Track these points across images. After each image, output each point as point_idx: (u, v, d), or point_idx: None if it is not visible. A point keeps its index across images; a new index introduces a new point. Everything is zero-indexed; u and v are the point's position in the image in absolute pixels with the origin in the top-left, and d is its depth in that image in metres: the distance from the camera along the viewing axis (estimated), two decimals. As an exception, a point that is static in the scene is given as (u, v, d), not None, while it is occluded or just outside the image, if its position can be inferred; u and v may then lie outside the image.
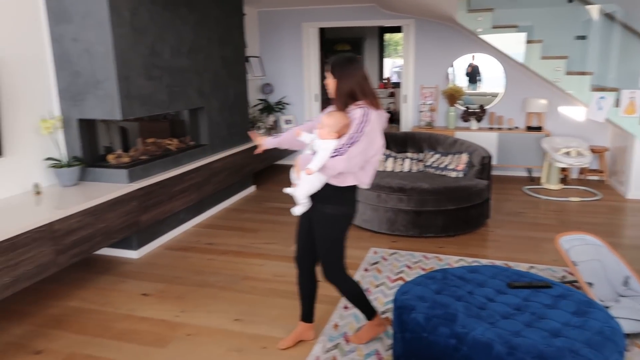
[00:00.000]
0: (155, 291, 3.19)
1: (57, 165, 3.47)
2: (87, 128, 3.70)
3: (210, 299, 3.08)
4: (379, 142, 2.22)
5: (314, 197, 2.28)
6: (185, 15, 4.19)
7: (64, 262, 2.97)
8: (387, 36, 10.44)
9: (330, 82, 2.24)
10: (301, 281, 2.54)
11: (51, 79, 3.52)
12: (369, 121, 2.14)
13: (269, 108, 6.64)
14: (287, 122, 6.82)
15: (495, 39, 5.21)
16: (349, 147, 2.10)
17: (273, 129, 6.61)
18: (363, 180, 2.28)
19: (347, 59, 2.24)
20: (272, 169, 6.80)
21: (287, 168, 6.93)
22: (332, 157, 2.10)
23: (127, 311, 2.94)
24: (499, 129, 6.10)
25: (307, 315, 2.60)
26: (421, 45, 6.29)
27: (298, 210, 2.30)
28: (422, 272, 3.39)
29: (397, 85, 9.93)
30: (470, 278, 2.38)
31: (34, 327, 2.79)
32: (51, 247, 2.86)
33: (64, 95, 3.55)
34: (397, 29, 10.20)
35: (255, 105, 6.70)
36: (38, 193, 3.31)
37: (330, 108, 2.30)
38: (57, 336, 2.69)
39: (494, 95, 6.25)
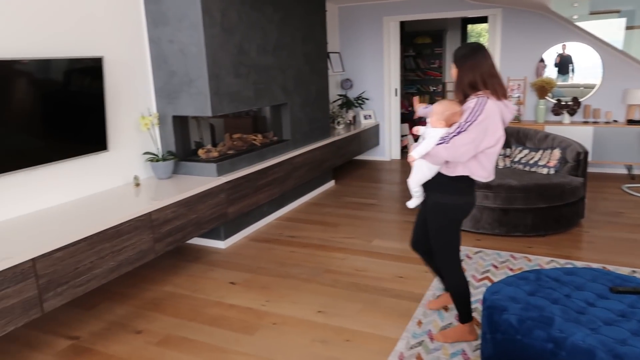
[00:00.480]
0: (242, 280, 3.33)
1: (154, 159, 3.72)
2: (180, 124, 3.92)
3: (293, 290, 3.16)
4: (497, 133, 2.14)
5: (426, 186, 2.36)
6: (271, 14, 4.31)
7: (160, 249, 3.18)
8: (470, 27, 10.07)
9: (454, 72, 2.25)
10: (426, 261, 2.69)
11: (149, 79, 3.77)
12: (483, 111, 2.09)
13: (348, 103, 6.66)
14: (367, 117, 6.81)
15: (591, 26, 4.85)
16: (455, 135, 2.11)
17: (352, 124, 6.62)
18: (476, 172, 2.22)
19: (472, 48, 2.20)
20: (351, 164, 6.82)
21: (366, 163, 6.92)
22: (438, 145, 2.13)
23: (216, 298, 3.09)
24: (595, 122, 5.68)
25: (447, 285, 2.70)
26: (508, 35, 6.00)
27: (412, 203, 2.44)
28: (510, 273, 3.25)
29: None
30: (566, 280, 2.24)
31: (134, 308, 3.02)
32: (150, 235, 3.07)
33: (160, 94, 3.79)
34: (481, 20, 9.79)
35: (334, 101, 6.75)
36: (137, 185, 3.56)
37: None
38: (155, 318, 2.88)
39: (588, 87, 5.83)
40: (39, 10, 2.90)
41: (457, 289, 2.40)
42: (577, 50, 5.78)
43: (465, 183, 2.27)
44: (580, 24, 4.86)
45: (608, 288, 2.15)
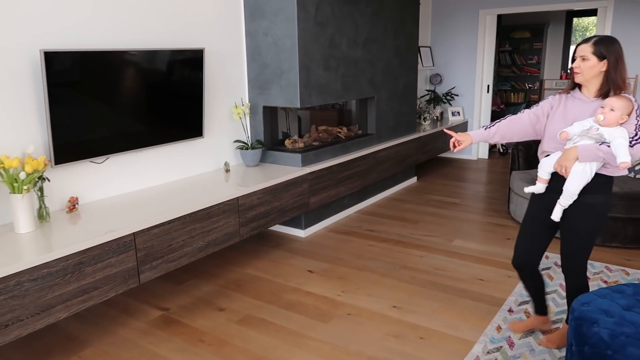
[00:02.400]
0: (319, 269, 3.41)
1: (244, 147, 3.89)
2: (270, 114, 4.07)
3: (370, 283, 3.18)
4: None
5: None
6: (364, 7, 4.32)
7: (245, 233, 3.34)
8: (576, 21, 9.38)
9: (591, 66, 2.09)
10: (525, 283, 2.51)
11: (244, 70, 3.94)
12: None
13: (436, 99, 6.51)
14: (455, 113, 6.61)
15: None
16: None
17: (439, 120, 6.47)
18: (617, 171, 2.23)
19: (613, 39, 2.11)
20: (435, 161, 6.67)
21: (451, 161, 6.74)
22: (632, 145, 2.03)
23: (295, 284, 3.20)
24: None
25: (539, 309, 2.57)
26: (619, 29, 5.53)
27: (537, 188, 2.30)
28: (604, 285, 3.03)
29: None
30: (669, 299, 2.05)
31: (218, 287, 3.20)
32: (236, 219, 3.24)
33: (252, 84, 3.96)
34: (588, 12, 9.09)
35: (422, 96, 6.62)
36: (227, 171, 3.76)
37: (555, 97, 2.29)
38: (237, 298, 3.04)
39: None
40: (148, 2, 3.15)
41: (584, 289, 2.33)
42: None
43: (612, 182, 2.24)
44: None
45: None
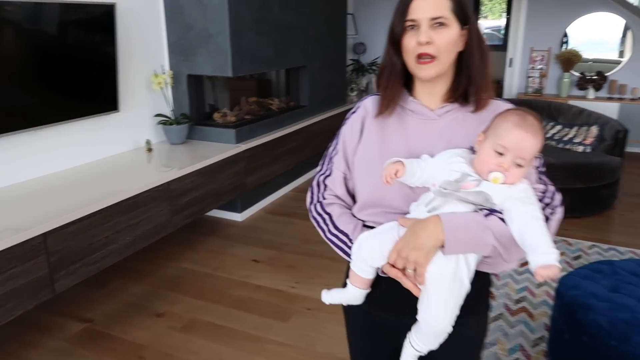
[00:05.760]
0: (265, 258, 3.07)
1: (167, 122, 3.38)
2: (195, 84, 3.56)
3: (322, 270, 2.91)
4: None
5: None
6: (294, -35, 3.91)
7: (178, 222, 2.88)
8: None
9: (453, 39, 1.03)
10: None
11: (163, 32, 3.38)
12: None
13: (361, 69, 6.30)
14: (379, 84, 6.47)
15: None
16: (554, 189, 1.10)
17: (365, 91, 6.29)
18: None
19: None
20: (361, 134, 6.52)
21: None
22: (549, 214, 1.04)
23: (241, 278, 2.84)
24: (620, 99, 5.44)
25: None
26: (535, 2, 5.66)
27: (347, 296, 1.13)
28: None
29: (492, 47, 9.20)
30: (647, 275, 2.03)
31: (151, 287, 2.75)
32: (168, 207, 2.78)
33: (174, 50, 3.42)
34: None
35: (347, 66, 6.38)
36: (149, 150, 3.23)
37: (356, 117, 1.19)
38: (176, 299, 2.62)
39: (613, 62, 5.56)
40: (43, -56, 2.50)
41: None
42: (602, 22, 5.48)
43: (490, 285, 1.22)
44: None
45: (697, 286, 1.94)
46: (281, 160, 3.95)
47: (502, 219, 0.99)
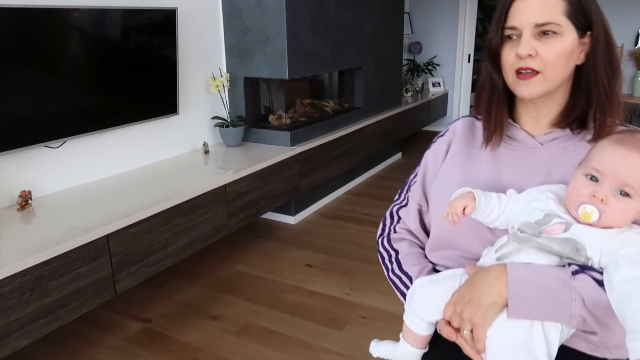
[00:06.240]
0: (319, 262, 3.03)
1: (224, 124, 3.40)
2: (252, 87, 3.58)
3: (377, 277, 2.83)
4: None
5: None
6: (352, -36, 3.84)
7: (233, 225, 2.89)
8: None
9: (566, 50, 0.83)
10: None
11: (221, 35, 3.41)
12: None
13: (416, 69, 6.16)
14: (435, 84, 6.30)
15: None
16: None
17: (420, 92, 6.14)
18: None
19: None
20: (418, 136, 6.36)
21: (432, 134, 6.43)
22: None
23: (294, 282, 2.81)
24: (702, 99, 5.01)
25: None
26: (606, -4, 5.31)
27: (399, 353, 1.00)
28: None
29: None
30: None
31: (206, 289, 2.77)
32: (224, 210, 2.79)
33: (231, 53, 3.44)
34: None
35: (402, 66, 6.25)
36: (206, 152, 3.27)
37: (442, 142, 1.08)
38: (230, 302, 2.62)
39: (699, 58, 5.13)
40: (109, -48, 2.56)
41: None
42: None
43: None
44: None
45: None
46: (335, 163, 3.90)
47: (600, 281, 0.73)
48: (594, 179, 0.75)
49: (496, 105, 0.91)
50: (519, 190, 0.87)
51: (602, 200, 0.74)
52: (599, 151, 0.79)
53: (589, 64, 0.85)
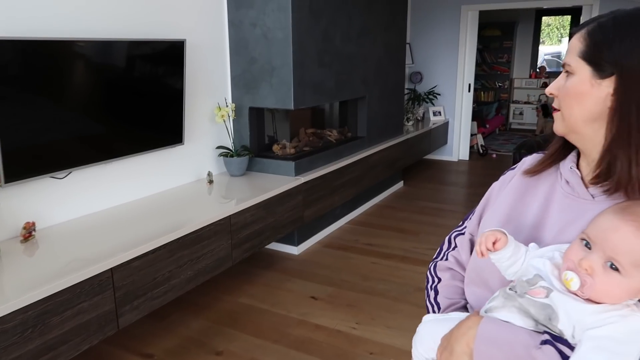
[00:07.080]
0: (324, 295, 2.98)
1: (228, 154, 3.40)
2: (257, 117, 3.58)
3: (385, 311, 2.79)
4: None
5: None
6: (356, -3, 3.91)
7: (237, 256, 2.86)
8: (545, 19, 9.40)
9: (579, 89, 0.80)
10: None
11: (227, 66, 3.44)
12: None
13: (417, 98, 6.21)
14: (436, 113, 6.34)
15: None
16: None
17: (421, 121, 6.17)
18: None
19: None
20: (420, 164, 6.38)
21: (432, 163, 6.45)
22: None
23: (299, 315, 2.75)
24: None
25: None
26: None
27: None
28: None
29: (552, 74, 8.90)
30: None
31: (209, 322, 2.71)
32: (228, 241, 2.76)
33: (236, 83, 3.46)
34: (559, 12, 9.11)
35: (404, 95, 6.30)
36: (210, 182, 3.25)
37: (507, 176, 1.02)
38: (234, 337, 2.56)
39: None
40: (120, -15, 2.60)
41: None
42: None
43: None
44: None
45: None
46: (339, 192, 3.88)
47: (567, 357, 0.68)
48: (588, 245, 0.72)
49: (557, 138, 0.90)
50: (539, 245, 0.84)
51: (586, 269, 0.70)
52: (598, 216, 0.74)
53: (616, 110, 0.77)
